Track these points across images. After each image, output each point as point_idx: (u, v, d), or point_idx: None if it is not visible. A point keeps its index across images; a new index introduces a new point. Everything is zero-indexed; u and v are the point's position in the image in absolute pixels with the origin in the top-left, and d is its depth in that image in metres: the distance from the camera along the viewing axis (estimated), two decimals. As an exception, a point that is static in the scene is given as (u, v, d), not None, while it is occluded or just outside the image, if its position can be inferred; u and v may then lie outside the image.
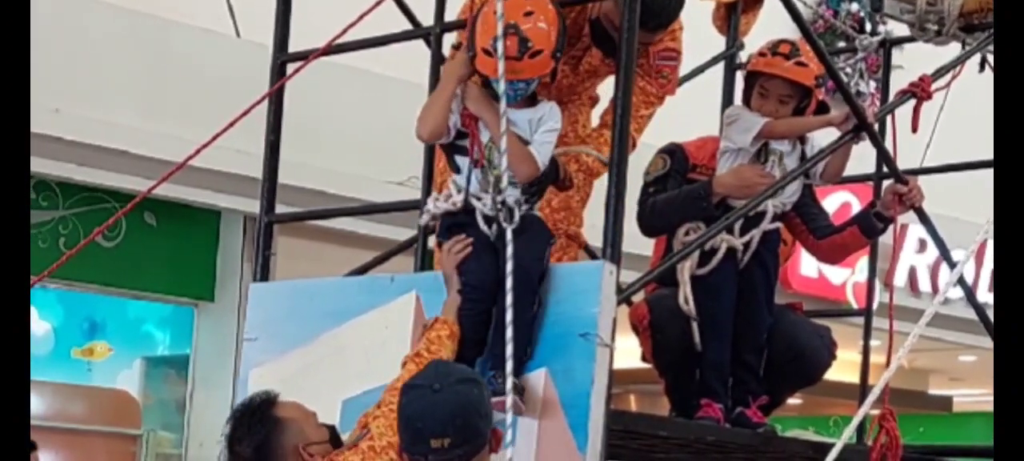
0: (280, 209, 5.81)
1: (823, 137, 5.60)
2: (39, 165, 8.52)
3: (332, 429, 4.38)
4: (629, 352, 5.62)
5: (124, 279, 9.38)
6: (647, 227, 5.57)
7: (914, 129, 5.80)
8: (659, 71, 5.22)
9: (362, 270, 5.78)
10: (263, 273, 5.66)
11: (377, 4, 5.40)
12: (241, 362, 5.55)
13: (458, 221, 4.73)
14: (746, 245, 5.43)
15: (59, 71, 8.49)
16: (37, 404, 9.57)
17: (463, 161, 4.73)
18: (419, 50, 5.62)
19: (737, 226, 5.39)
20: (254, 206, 5.96)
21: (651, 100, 5.25)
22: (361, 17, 5.29)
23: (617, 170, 4.69)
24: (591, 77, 5.41)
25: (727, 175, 5.45)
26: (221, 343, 9.48)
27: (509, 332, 4.34)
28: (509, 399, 4.28)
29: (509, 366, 4.31)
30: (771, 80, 5.47)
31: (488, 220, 4.67)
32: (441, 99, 4.69)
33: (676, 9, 5.16)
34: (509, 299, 4.38)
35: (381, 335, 5.03)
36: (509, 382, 4.30)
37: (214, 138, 5.30)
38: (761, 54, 5.50)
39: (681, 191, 5.50)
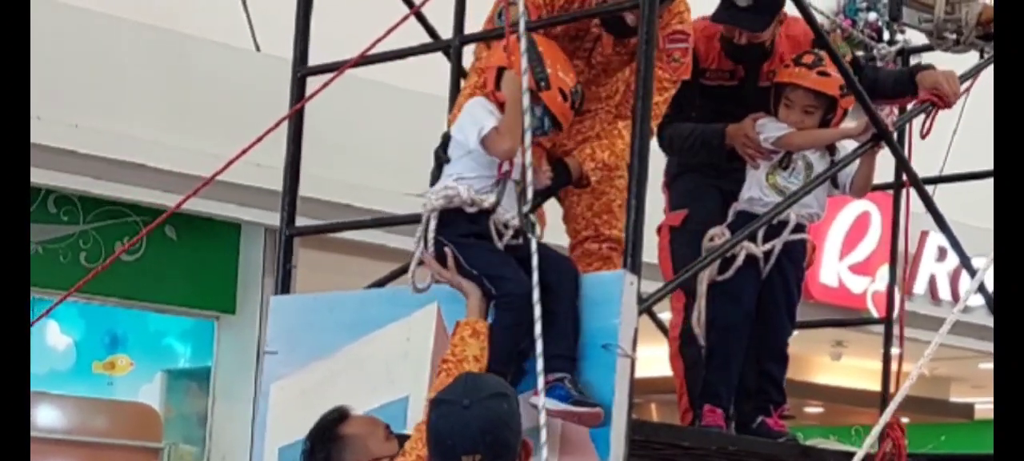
0: (300, 222, 5.82)
1: (851, 147, 5.61)
2: (59, 180, 8.56)
3: (406, 439, 4.38)
4: (650, 361, 5.63)
5: (145, 292, 9.41)
6: (666, 150, 5.69)
7: (924, 136, 5.81)
8: (670, 55, 5.11)
9: (383, 282, 5.78)
10: (284, 286, 5.67)
11: (401, 22, 5.42)
12: (262, 375, 5.56)
13: (475, 229, 4.71)
14: (767, 254, 5.43)
15: (79, 86, 8.52)
16: (59, 418, 9.60)
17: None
18: (439, 63, 5.64)
19: (760, 234, 5.40)
20: (274, 219, 5.97)
21: (664, 85, 5.11)
22: (386, 34, 5.30)
23: (637, 178, 4.69)
24: (604, 72, 5.29)
25: (732, 127, 5.51)
26: (242, 356, 9.50)
27: (539, 346, 4.40)
28: (542, 416, 4.30)
29: (540, 382, 4.36)
30: (796, 91, 5.47)
31: (498, 232, 4.71)
32: (520, 121, 4.67)
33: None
34: (538, 311, 4.44)
35: (402, 347, 5.03)
36: (542, 398, 4.34)
37: (242, 154, 5.32)
38: (786, 65, 5.51)
39: (701, 135, 5.55)
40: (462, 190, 4.68)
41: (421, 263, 4.80)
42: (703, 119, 5.62)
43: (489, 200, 4.68)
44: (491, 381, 4.18)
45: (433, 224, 4.72)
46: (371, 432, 4.32)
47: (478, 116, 4.72)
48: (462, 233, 4.69)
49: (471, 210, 4.69)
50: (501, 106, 4.74)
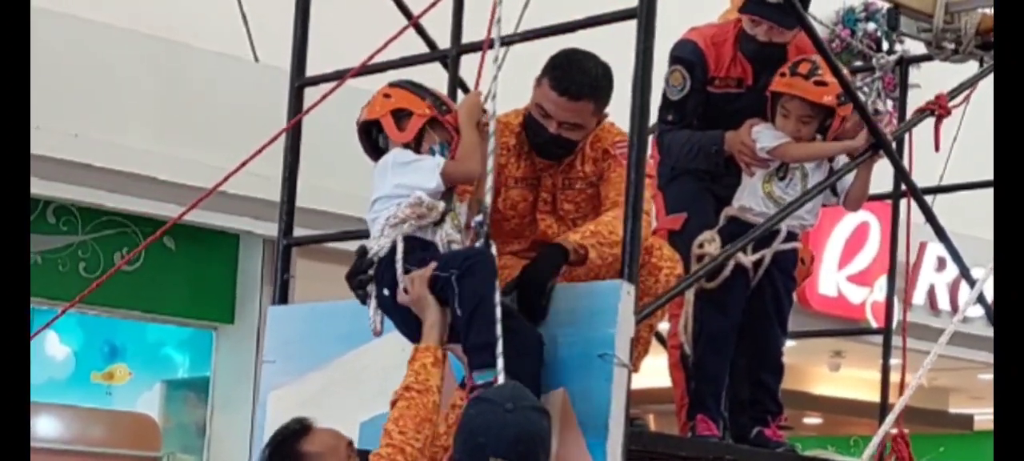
0: (298, 232, 5.82)
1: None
2: (58, 190, 8.57)
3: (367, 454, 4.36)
4: (647, 371, 5.62)
5: (144, 302, 9.41)
6: (665, 156, 5.65)
7: (937, 148, 5.80)
8: (621, 161, 4.94)
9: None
10: (282, 296, 5.67)
11: (401, 32, 5.42)
12: (260, 385, 5.56)
13: (426, 256, 4.62)
14: (757, 264, 5.42)
15: (78, 96, 8.53)
16: (57, 428, 9.62)
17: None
18: (436, 73, 5.63)
19: (750, 244, 5.39)
20: (272, 229, 5.98)
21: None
22: (385, 44, 5.30)
23: (634, 190, 4.69)
24: (573, 223, 5.14)
25: (730, 134, 5.48)
26: (240, 365, 9.50)
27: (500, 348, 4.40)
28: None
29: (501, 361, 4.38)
30: (792, 100, 5.45)
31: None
32: (475, 141, 4.69)
33: (596, 85, 4.92)
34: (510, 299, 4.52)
35: (398, 357, 4.99)
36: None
37: (243, 165, 5.32)
38: (781, 74, 5.49)
39: (699, 142, 5.53)
40: (422, 195, 4.60)
41: (385, 301, 4.66)
42: (705, 126, 5.62)
43: (440, 206, 4.63)
44: (534, 396, 4.17)
45: (401, 248, 4.60)
46: (333, 448, 4.29)
47: (415, 160, 4.65)
48: (419, 259, 4.60)
49: (430, 220, 4.61)
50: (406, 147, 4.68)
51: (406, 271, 4.58)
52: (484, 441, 3.91)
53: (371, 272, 4.67)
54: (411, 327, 4.63)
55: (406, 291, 4.55)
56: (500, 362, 4.37)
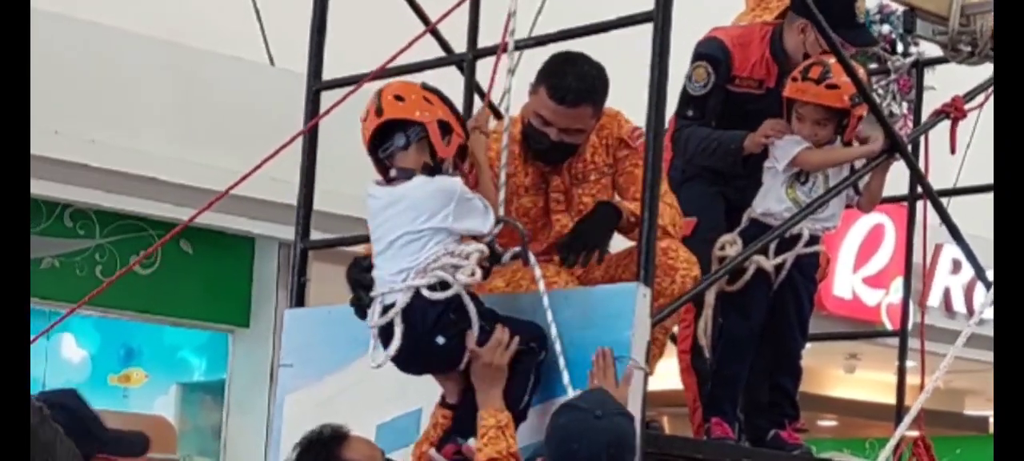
0: (314, 235, 5.83)
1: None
2: (75, 194, 8.60)
3: None
4: (662, 374, 5.64)
5: (160, 306, 9.44)
6: (680, 152, 5.62)
7: (953, 150, 5.79)
8: (642, 150, 4.85)
9: (396, 295, 5.77)
10: (298, 299, 5.68)
11: (418, 38, 5.43)
12: (277, 388, 5.57)
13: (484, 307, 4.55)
14: (779, 267, 5.41)
15: (94, 101, 8.56)
16: (74, 431, 9.62)
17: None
18: (452, 77, 5.64)
19: (772, 247, 5.38)
20: (288, 233, 5.99)
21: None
22: (403, 50, 5.31)
23: (650, 192, 4.69)
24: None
25: (750, 137, 5.47)
26: (256, 369, 9.52)
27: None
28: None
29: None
30: (805, 105, 5.44)
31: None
32: (489, 181, 4.67)
33: (593, 88, 4.89)
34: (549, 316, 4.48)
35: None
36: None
37: (258, 167, 5.33)
38: (793, 79, 5.48)
39: (719, 140, 5.52)
40: (485, 249, 4.47)
41: (436, 347, 4.51)
42: (723, 125, 5.62)
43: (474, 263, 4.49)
44: (618, 403, 4.21)
45: (470, 302, 4.47)
46: (371, 458, 4.30)
47: (472, 198, 4.50)
48: (485, 315, 4.52)
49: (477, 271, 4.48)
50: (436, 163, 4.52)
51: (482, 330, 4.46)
52: (576, 447, 4.00)
53: (391, 312, 4.51)
54: (435, 371, 4.62)
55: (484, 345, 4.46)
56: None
